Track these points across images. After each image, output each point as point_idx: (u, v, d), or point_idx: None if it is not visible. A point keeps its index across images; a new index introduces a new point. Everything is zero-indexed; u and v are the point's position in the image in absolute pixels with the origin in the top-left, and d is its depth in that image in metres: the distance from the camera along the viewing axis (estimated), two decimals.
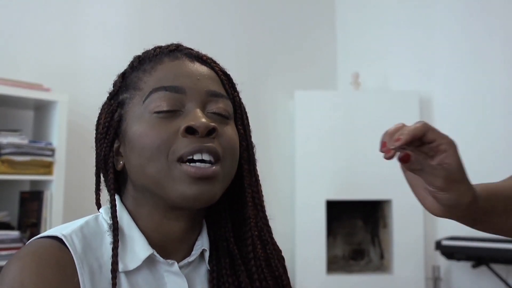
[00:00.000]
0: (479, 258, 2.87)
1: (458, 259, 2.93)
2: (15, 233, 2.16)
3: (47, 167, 2.24)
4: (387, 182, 3.23)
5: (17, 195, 2.36)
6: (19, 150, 2.17)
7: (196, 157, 0.65)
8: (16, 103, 2.36)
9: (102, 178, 0.74)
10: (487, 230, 0.75)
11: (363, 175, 3.28)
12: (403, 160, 0.62)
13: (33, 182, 2.40)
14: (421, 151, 0.60)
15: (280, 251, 0.80)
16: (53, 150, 2.26)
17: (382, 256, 3.51)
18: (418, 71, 3.55)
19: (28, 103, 2.38)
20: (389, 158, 0.58)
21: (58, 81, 2.50)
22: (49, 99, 2.30)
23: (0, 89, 2.14)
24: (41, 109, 2.43)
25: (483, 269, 2.98)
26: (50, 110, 2.34)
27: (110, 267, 0.65)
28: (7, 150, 2.14)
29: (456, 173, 0.61)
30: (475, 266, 2.94)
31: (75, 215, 0.72)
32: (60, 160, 2.27)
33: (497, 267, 2.91)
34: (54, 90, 2.34)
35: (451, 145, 0.60)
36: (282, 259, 0.79)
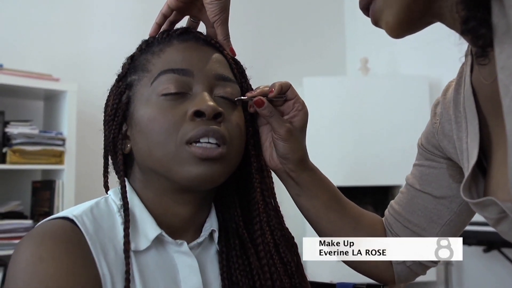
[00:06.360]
0: (490, 242, 2.85)
1: (469, 244, 2.91)
2: (28, 222, 2.19)
3: (58, 157, 2.26)
4: (397, 167, 3.21)
5: (29, 185, 2.39)
6: (30, 140, 2.19)
7: (202, 140, 0.65)
8: (26, 93, 2.38)
9: (109, 161, 0.74)
10: (304, 206, 0.82)
11: (373, 160, 3.26)
12: (258, 104, 0.72)
13: (44, 172, 2.42)
14: (275, 104, 0.75)
15: (292, 238, 0.80)
16: (63, 140, 2.28)
17: None
18: (427, 55, 3.51)
19: (38, 93, 2.39)
20: (259, 104, 0.72)
21: (67, 71, 2.51)
22: (59, 89, 2.31)
23: (10, 80, 2.16)
24: (51, 99, 2.44)
25: (494, 253, 2.97)
26: (60, 100, 2.35)
27: (122, 247, 0.64)
28: (18, 140, 2.16)
29: (297, 131, 0.75)
30: (486, 250, 2.93)
31: None
32: (70, 149, 2.29)
33: (509, 251, 2.89)
34: (63, 80, 2.35)
35: (304, 107, 0.76)
36: (294, 246, 0.79)
